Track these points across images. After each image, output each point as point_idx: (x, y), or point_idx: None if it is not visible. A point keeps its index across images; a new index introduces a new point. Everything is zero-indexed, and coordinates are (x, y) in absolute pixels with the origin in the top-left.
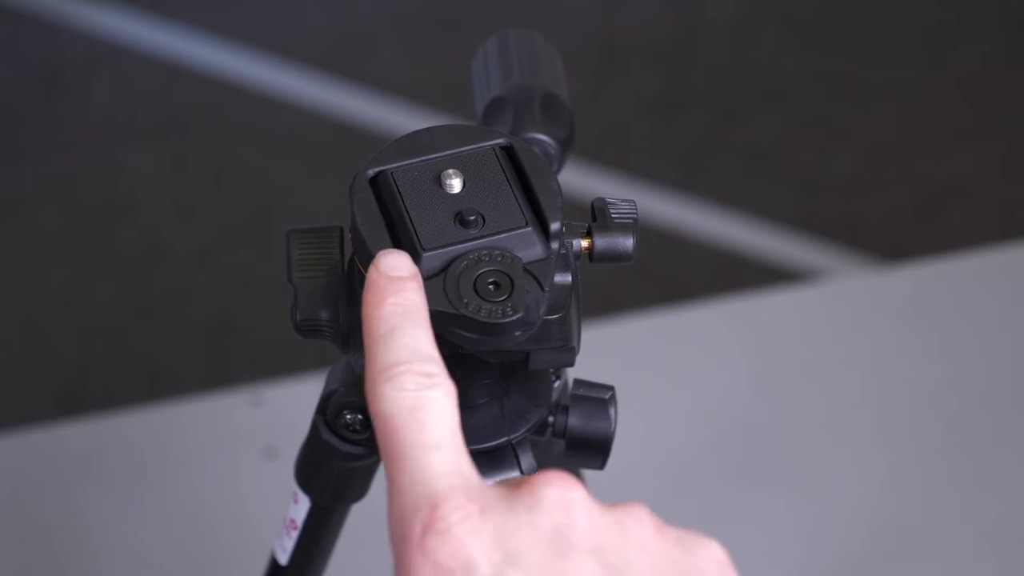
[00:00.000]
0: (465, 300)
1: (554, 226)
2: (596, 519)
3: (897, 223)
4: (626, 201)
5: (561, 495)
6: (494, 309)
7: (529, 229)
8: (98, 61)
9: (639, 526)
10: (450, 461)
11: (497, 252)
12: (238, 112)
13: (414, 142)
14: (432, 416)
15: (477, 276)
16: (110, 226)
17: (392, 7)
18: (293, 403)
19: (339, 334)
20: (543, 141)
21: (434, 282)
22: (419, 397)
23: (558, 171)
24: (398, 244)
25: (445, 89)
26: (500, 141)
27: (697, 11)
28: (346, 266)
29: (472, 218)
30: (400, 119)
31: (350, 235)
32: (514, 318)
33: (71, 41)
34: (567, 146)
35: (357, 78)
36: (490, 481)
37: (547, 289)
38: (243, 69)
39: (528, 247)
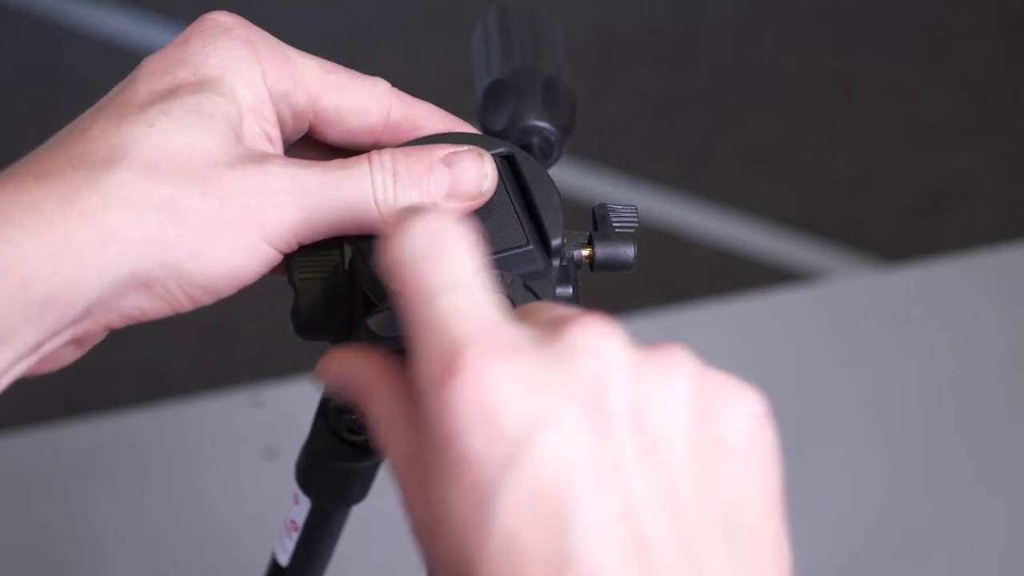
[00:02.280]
0: None
1: (555, 243)
2: (635, 366)
3: (897, 223)
4: (628, 208)
5: (598, 341)
6: None
7: (531, 247)
8: (99, 61)
9: (679, 378)
10: (471, 302)
11: (497, 274)
12: None
13: None
14: (445, 257)
15: None
16: None
17: (391, 6)
18: (293, 403)
19: (341, 335)
20: (544, 128)
21: None
22: (429, 241)
23: (559, 157)
24: None
25: (444, 88)
26: (501, 150)
27: (697, 11)
28: (347, 267)
29: None
30: None
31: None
32: None
33: (72, 41)
34: (568, 131)
35: None
36: (518, 326)
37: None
38: None
39: (529, 264)
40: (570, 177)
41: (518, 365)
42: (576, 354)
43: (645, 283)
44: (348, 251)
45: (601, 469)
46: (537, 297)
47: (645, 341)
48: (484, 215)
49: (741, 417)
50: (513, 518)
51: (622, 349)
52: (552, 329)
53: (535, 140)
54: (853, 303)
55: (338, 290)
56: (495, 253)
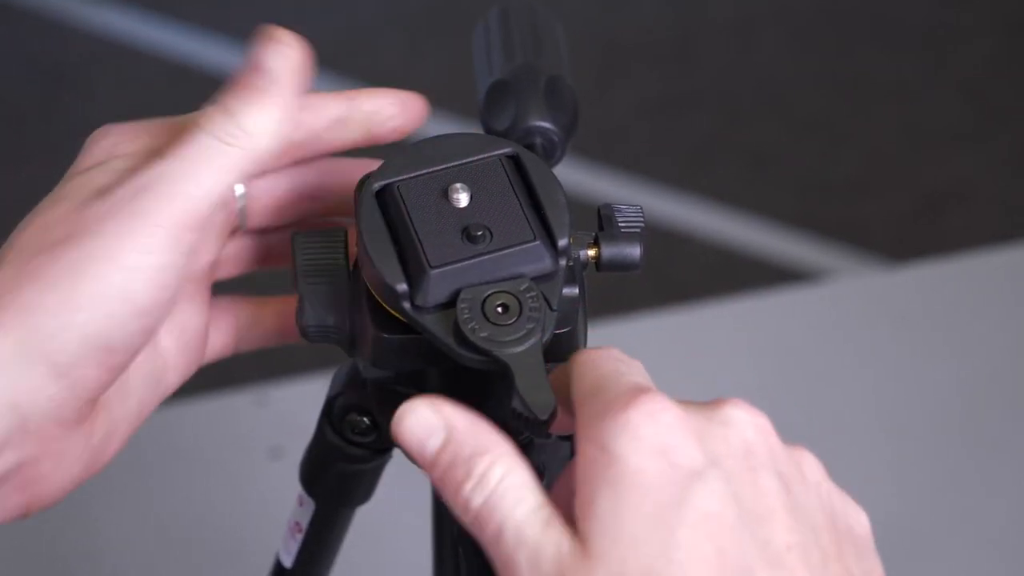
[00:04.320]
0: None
1: (562, 242)
2: (778, 449)
3: (898, 226)
4: (633, 208)
5: (751, 418)
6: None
7: (537, 243)
8: (100, 60)
9: (812, 470)
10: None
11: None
12: None
13: (419, 153)
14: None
15: (485, 298)
16: None
17: (394, 6)
18: (298, 403)
19: (346, 338)
20: (547, 129)
21: (446, 313)
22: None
23: (561, 157)
24: (404, 260)
25: (448, 88)
26: (506, 150)
27: (698, 12)
28: (351, 269)
29: (479, 233)
30: None
31: (355, 247)
32: (531, 343)
33: (74, 40)
34: (571, 131)
35: (358, 77)
36: None
37: (555, 308)
38: None
39: (536, 261)
40: (573, 177)
41: (686, 419)
42: (734, 423)
43: (647, 283)
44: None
45: (757, 509)
46: (544, 298)
47: (647, 341)
48: (491, 214)
49: (862, 526)
50: (692, 534)
51: (770, 429)
52: (708, 403)
53: (538, 140)
54: (855, 303)
55: (344, 294)
56: (501, 249)
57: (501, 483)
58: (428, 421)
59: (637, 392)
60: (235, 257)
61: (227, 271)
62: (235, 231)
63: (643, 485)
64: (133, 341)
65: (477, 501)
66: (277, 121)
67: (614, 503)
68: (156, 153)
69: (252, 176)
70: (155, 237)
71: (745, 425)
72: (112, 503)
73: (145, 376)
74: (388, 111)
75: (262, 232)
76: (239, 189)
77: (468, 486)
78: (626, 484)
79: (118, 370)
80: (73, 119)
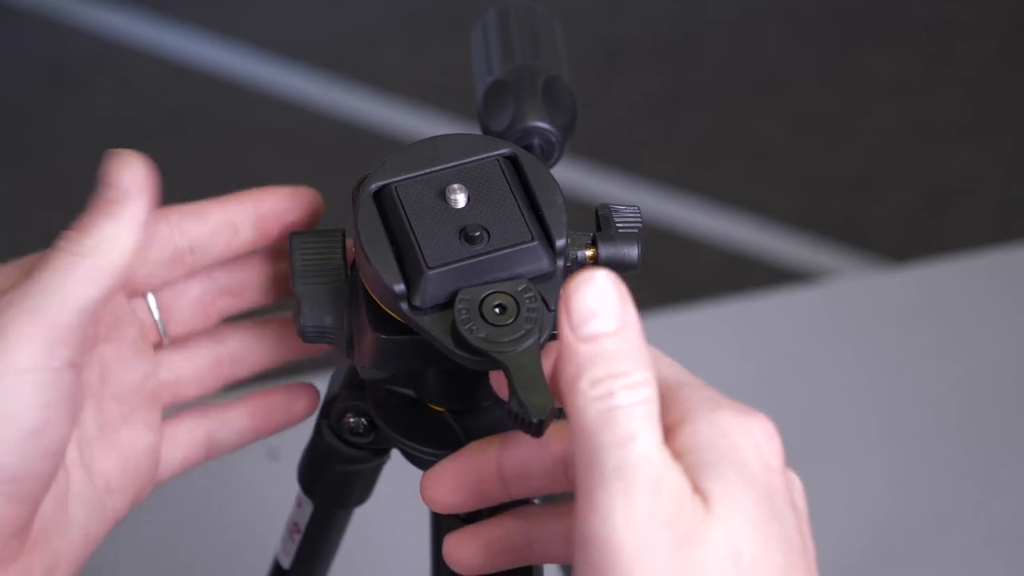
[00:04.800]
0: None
1: (560, 243)
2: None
3: (902, 223)
4: (631, 208)
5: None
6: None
7: (535, 243)
8: (100, 60)
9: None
10: None
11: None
12: (239, 112)
13: (417, 154)
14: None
15: (483, 299)
16: None
17: (395, 6)
18: None
19: (344, 339)
20: (545, 129)
21: (444, 314)
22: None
23: (559, 158)
24: (402, 261)
25: (448, 88)
26: (504, 151)
27: (700, 9)
28: (349, 270)
29: (477, 234)
30: (403, 119)
31: (353, 248)
32: (529, 343)
33: (74, 40)
34: (569, 132)
35: (360, 77)
36: None
37: (553, 308)
38: (245, 69)
39: (534, 261)
40: (573, 176)
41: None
42: (796, 483)
43: (647, 283)
44: (349, 256)
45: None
46: (542, 299)
47: (647, 341)
48: (488, 214)
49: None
50: (780, 548)
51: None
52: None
53: (536, 141)
54: (856, 303)
55: (341, 296)
56: (499, 250)
57: (649, 403)
58: (611, 303)
59: (746, 406)
60: (197, 376)
61: (194, 390)
62: (159, 345)
63: (757, 486)
64: (36, 467)
65: (624, 399)
66: (127, 231)
67: (737, 482)
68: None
69: (114, 287)
70: (25, 352)
71: (798, 485)
72: None
73: (85, 503)
74: (276, 209)
75: (202, 341)
76: (151, 300)
77: (622, 382)
78: (747, 476)
79: (32, 501)
80: (73, 119)
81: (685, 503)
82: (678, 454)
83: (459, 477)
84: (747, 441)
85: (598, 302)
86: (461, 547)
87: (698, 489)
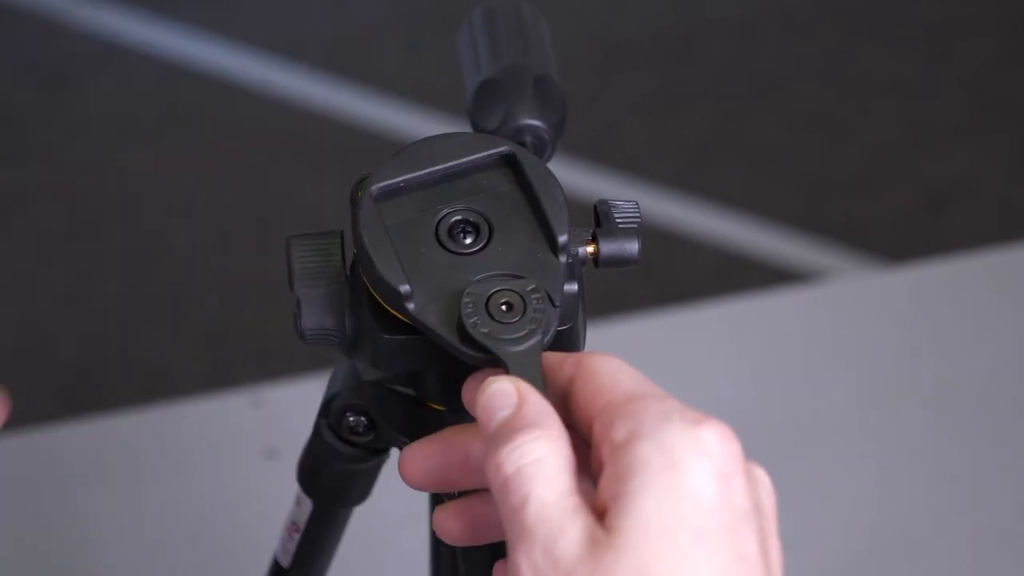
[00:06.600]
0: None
1: (562, 239)
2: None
3: (900, 222)
4: (629, 203)
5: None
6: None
7: (536, 242)
8: (99, 60)
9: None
10: None
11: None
12: (238, 112)
13: (415, 154)
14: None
15: (490, 296)
16: (111, 226)
17: (394, 6)
18: (294, 404)
19: (344, 341)
20: (537, 127)
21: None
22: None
23: (552, 155)
24: (404, 261)
25: (448, 88)
26: (502, 149)
27: (698, 9)
28: (348, 271)
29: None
30: (401, 118)
31: (355, 250)
32: (531, 343)
33: (72, 40)
34: (560, 129)
35: (358, 77)
36: None
37: (558, 304)
38: (244, 69)
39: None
40: (571, 176)
41: (743, 454)
42: (763, 479)
43: (646, 283)
44: (349, 253)
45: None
46: (547, 295)
47: (646, 341)
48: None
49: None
50: (728, 565)
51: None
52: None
53: (528, 139)
54: (855, 303)
55: (342, 297)
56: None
57: (541, 460)
58: (507, 393)
59: (699, 414)
60: None
61: None
62: None
63: (698, 502)
64: None
65: (510, 468)
66: None
67: (659, 506)
68: None
69: None
70: None
71: (764, 481)
72: (108, 503)
73: None
74: None
75: None
76: None
77: (506, 449)
78: (681, 494)
79: None
80: (72, 120)
81: (585, 549)
82: (608, 481)
83: (428, 458)
84: (692, 454)
85: (492, 400)
86: (448, 520)
87: (608, 526)
